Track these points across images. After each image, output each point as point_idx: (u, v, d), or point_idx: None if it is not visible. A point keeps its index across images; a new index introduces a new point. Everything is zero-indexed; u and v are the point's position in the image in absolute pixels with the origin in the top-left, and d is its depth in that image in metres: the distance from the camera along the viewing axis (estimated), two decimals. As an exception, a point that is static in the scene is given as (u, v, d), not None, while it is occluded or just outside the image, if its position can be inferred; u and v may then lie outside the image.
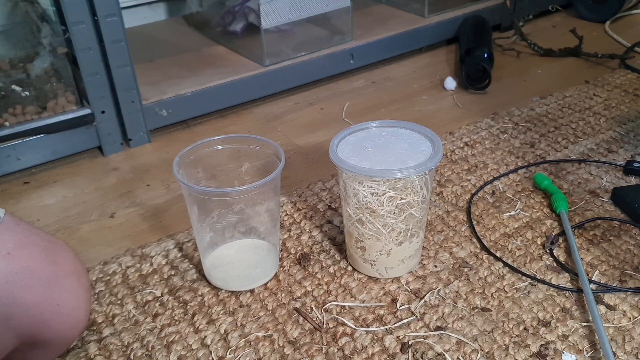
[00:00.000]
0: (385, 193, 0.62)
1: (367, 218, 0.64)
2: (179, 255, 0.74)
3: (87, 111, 0.93)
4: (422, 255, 0.73)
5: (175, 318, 0.65)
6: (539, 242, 0.74)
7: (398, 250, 0.66)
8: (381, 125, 0.69)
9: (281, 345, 0.61)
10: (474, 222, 0.78)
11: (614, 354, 0.59)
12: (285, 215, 0.81)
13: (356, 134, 0.68)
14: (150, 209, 0.84)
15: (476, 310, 0.65)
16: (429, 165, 0.61)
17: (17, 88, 0.93)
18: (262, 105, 1.11)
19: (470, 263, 0.71)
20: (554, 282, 0.68)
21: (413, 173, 0.60)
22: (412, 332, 0.62)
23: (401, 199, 0.62)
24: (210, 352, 0.61)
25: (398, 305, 0.66)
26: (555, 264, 0.71)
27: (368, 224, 0.64)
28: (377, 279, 0.69)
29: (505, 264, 0.71)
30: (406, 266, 0.69)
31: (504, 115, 1.04)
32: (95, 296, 0.68)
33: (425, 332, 0.62)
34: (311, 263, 0.72)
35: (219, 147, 0.69)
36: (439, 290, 0.67)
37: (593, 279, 0.68)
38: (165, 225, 0.80)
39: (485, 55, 1.14)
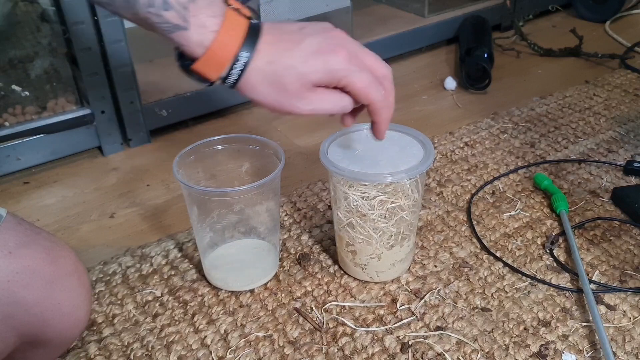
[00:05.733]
0: (375, 197, 0.61)
1: (357, 222, 0.64)
2: (179, 255, 0.74)
3: (87, 111, 0.93)
4: (422, 255, 0.73)
5: (175, 318, 0.65)
6: (539, 242, 0.74)
7: (389, 254, 0.66)
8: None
9: (281, 345, 0.61)
10: (474, 222, 0.78)
11: (614, 354, 0.59)
12: (285, 215, 0.81)
13: (347, 137, 0.68)
14: (150, 209, 0.84)
15: (476, 310, 0.65)
16: (421, 169, 0.61)
17: (17, 88, 0.93)
18: (262, 105, 1.11)
19: (471, 263, 0.71)
20: (554, 282, 0.68)
21: (404, 177, 0.60)
22: (412, 332, 0.62)
23: (392, 202, 0.62)
24: (210, 352, 0.61)
25: (398, 305, 0.66)
26: (555, 264, 0.71)
27: (359, 228, 0.64)
28: (377, 279, 0.69)
29: (506, 264, 0.71)
30: (397, 269, 0.68)
31: (504, 115, 1.04)
32: (95, 296, 0.68)
33: (426, 332, 0.62)
34: (311, 263, 0.72)
35: (219, 147, 0.69)
36: (439, 290, 0.67)
37: (593, 279, 0.68)
38: (165, 225, 0.80)
39: (486, 55, 1.14)
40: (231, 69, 0.51)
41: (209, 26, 0.50)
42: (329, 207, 0.82)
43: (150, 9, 0.49)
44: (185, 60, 0.53)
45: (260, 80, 0.52)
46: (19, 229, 0.51)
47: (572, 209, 0.80)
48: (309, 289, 0.68)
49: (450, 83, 1.15)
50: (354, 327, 0.63)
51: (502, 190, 0.84)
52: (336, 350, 0.60)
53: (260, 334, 0.63)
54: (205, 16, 0.50)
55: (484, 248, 0.74)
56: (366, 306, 0.66)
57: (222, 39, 0.50)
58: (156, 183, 0.90)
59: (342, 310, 0.65)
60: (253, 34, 0.52)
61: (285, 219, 0.80)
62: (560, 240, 0.75)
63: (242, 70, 0.51)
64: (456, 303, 0.66)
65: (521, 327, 0.62)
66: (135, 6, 0.49)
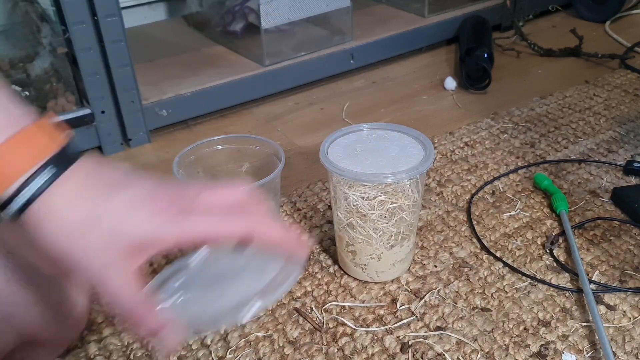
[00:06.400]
0: (375, 197, 0.61)
1: (357, 222, 0.64)
2: (179, 255, 0.74)
3: (87, 111, 0.93)
4: (422, 256, 0.73)
5: (175, 318, 0.65)
6: (539, 242, 0.74)
7: (389, 254, 0.66)
8: (372, 128, 0.68)
9: (281, 345, 0.61)
10: (474, 222, 0.78)
11: (614, 354, 0.59)
12: (285, 215, 0.81)
13: (347, 137, 0.68)
14: (150, 209, 0.84)
15: (476, 311, 0.65)
16: (421, 169, 0.61)
17: (17, 88, 0.93)
18: (262, 105, 1.11)
19: (470, 263, 0.71)
20: (554, 282, 0.68)
21: (404, 178, 0.60)
22: (412, 332, 0.62)
23: (392, 203, 0.62)
24: (210, 352, 0.61)
25: (398, 305, 0.66)
26: (555, 264, 0.71)
27: (358, 228, 0.64)
28: (377, 279, 0.69)
29: (506, 264, 0.71)
30: (397, 270, 0.68)
31: (504, 115, 1.04)
32: (95, 296, 0.68)
33: (425, 332, 0.62)
34: (311, 263, 0.72)
35: (219, 147, 0.69)
36: (439, 290, 0.67)
37: (593, 279, 0.68)
38: (165, 225, 0.80)
39: (486, 55, 1.14)
40: (23, 185, 0.38)
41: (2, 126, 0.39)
42: (329, 207, 0.82)
43: None
44: None
45: (59, 216, 0.39)
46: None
47: (572, 209, 0.80)
48: (309, 289, 0.68)
49: (450, 83, 1.15)
50: (354, 327, 0.63)
51: (502, 190, 0.84)
52: (336, 351, 0.60)
53: (260, 334, 0.63)
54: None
55: (484, 248, 0.73)
56: (366, 306, 0.66)
57: (15, 143, 0.39)
58: (156, 183, 0.90)
59: (342, 310, 0.65)
60: (62, 155, 0.41)
61: (285, 219, 0.80)
62: (560, 240, 0.75)
63: (39, 192, 0.39)
64: (456, 303, 0.66)
65: (521, 327, 0.62)
66: None
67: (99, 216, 0.40)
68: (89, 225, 0.40)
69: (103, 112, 0.94)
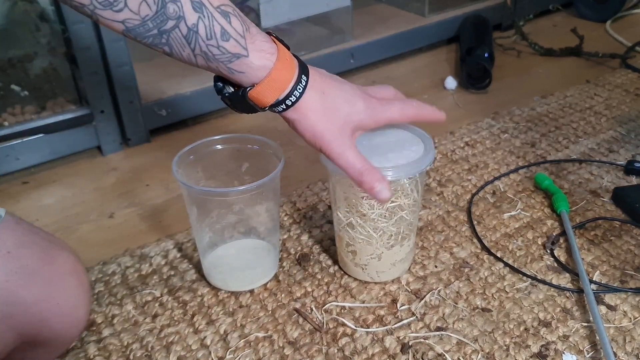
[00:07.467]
0: None
1: (357, 222, 0.64)
2: (179, 255, 0.74)
3: (86, 111, 0.93)
4: (423, 256, 0.72)
5: (175, 318, 0.65)
6: (539, 243, 0.74)
7: (389, 253, 0.66)
8: None
9: (281, 345, 0.61)
10: (475, 222, 0.78)
11: (615, 354, 0.59)
12: (285, 215, 0.80)
13: None
14: (150, 209, 0.84)
15: (477, 311, 0.64)
16: (420, 168, 0.60)
17: (16, 87, 0.92)
18: (262, 105, 1.11)
19: (471, 263, 0.71)
20: (554, 282, 0.68)
21: (404, 176, 0.59)
22: (412, 332, 0.62)
23: (391, 202, 0.62)
24: (210, 352, 0.61)
25: (398, 305, 0.65)
26: (556, 264, 0.71)
27: (359, 228, 0.64)
28: (377, 279, 0.69)
29: (506, 264, 0.71)
30: (397, 269, 0.68)
31: (504, 115, 1.04)
32: (95, 296, 0.68)
33: (426, 332, 0.62)
34: (311, 263, 0.72)
35: (219, 147, 0.69)
36: (439, 291, 0.67)
37: (594, 279, 0.68)
38: (164, 225, 0.80)
39: (486, 55, 1.14)
40: (292, 90, 0.52)
41: (267, 49, 0.51)
42: (329, 207, 0.81)
43: (210, 42, 0.49)
44: (233, 91, 0.55)
45: (314, 107, 0.54)
46: (17, 228, 0.51)
47: (573, 209, 0.80)
48: (309, 289, 0.68)
49: (451, 83, 1.15)
50: (354, 328, 0.63)
51: (502, 190, 0.84)
52: (336, 351, 0.60)
53: (260, 335, 0.62)
54: (260, 42, 0.51)
55: (484, 248, 0.73)
56: (366, 306, 0.66)
57: (283, 62, 0.52)
58: (155, 183, 0.90)
59: (342, 310, 0.65)
60: (302, 65, 0.54)
61: (285, 219, 0.80)
62: (561, 240, 0.74)
63: (302, 93, 0.53)
64: (456, 303, 0.65)
65: (522, 328, 0.62)
66: (194, 42, 0.49)
67: (336, 106, 0.54)
68: (331, 114, 0.54)
69: (102, 111, 0.94)
